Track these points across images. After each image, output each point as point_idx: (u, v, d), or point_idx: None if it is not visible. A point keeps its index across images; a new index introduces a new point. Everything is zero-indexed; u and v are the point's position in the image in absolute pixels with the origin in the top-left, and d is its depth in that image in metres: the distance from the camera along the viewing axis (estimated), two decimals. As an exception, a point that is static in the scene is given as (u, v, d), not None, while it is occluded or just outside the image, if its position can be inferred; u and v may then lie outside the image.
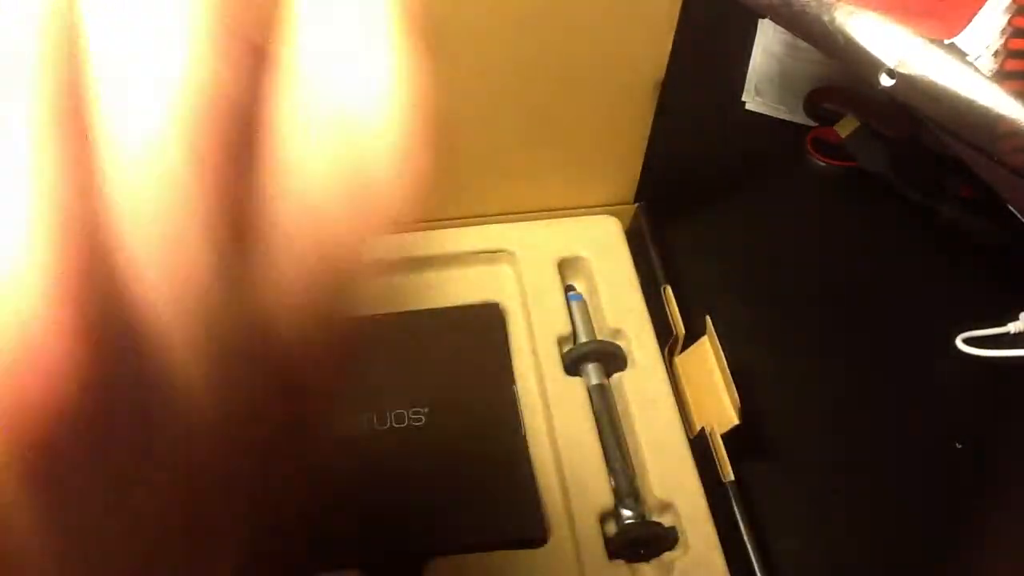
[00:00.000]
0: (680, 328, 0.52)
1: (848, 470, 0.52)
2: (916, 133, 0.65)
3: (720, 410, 0.48)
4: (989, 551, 0.50)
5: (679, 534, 0.46)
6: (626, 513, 0.47)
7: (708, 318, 0.50)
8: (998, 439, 0.54)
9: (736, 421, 0.47)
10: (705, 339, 0.51)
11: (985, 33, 0.45)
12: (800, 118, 0.69)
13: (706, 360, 0.50)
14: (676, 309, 0.53)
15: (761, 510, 0.49)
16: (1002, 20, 0.45)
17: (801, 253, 0.62)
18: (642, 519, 0.47)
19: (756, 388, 0.48)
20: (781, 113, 0.70)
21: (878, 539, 0.50)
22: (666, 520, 0.47)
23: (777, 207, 0.64)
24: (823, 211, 0.65)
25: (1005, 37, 0.45)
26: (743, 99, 0.70)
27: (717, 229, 0.63)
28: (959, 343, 0.57)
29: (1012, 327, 0.56)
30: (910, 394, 0.55)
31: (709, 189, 0.65)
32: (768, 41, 0.72)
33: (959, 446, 0.53)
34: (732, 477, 0.48)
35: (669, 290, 0.54)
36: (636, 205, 0.58)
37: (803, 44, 0.49)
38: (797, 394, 0.55)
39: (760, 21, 0.72)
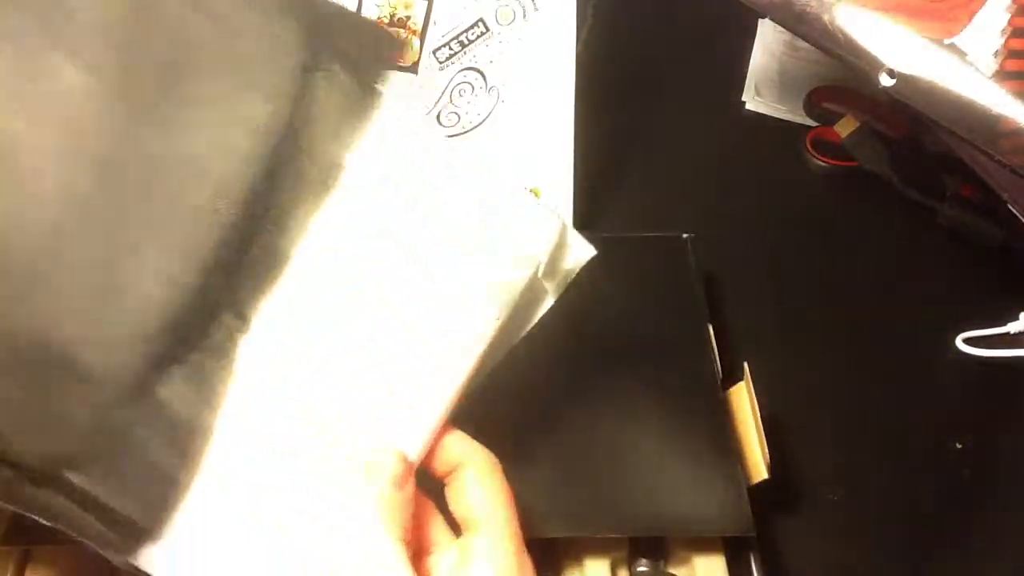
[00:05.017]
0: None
1: (848, 470, 0.52)
2: (916, 133, 0.65)
3: (752, 463, 0.46)
4: (989, 550, 0.50)
5: None
6: (641, 561, 0.45)
7: (746, 365, 0.47)
8: (998, 439, 0.54)
9: (765, 476, 0.45)
10: (742, 385, 0.48)
11: (985, 33, 0.45)
12: (800, 118, 0.69)
13: (742, 408, 0.47)
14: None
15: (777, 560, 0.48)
16: (1002, 20, 0.45)
17: (800, 252, 0.62)
18: (657, 569, 0.44)
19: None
20: (781, 113, 0.69)
21: (880, 541, 0.50)
22: (682, 572, 0.45)
23: (777, 207, 0.64)
24: (823, 211, 0.65)
25: (1005, 37, 0.45)
26: (743, 99, 0.70)
27: (717, 228, 0.63)
28: (959, 343, 0.57)
29: (1012, 327, 0.56)
30: (910, 394, 0.55)
31: (709, 189, 0.65)
32: (768, 41, 0.72)
33: (959, 446, 0.53)
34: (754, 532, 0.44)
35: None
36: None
37: (803, 44, 0.49)
38: (795, 393, 0.54)
39: (760, 21, 0.72)
